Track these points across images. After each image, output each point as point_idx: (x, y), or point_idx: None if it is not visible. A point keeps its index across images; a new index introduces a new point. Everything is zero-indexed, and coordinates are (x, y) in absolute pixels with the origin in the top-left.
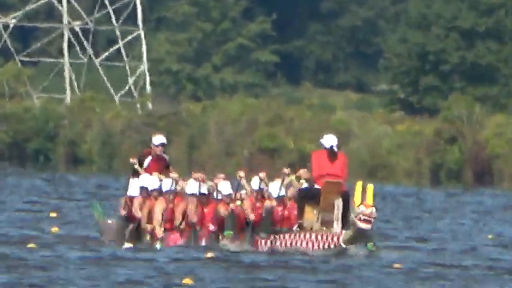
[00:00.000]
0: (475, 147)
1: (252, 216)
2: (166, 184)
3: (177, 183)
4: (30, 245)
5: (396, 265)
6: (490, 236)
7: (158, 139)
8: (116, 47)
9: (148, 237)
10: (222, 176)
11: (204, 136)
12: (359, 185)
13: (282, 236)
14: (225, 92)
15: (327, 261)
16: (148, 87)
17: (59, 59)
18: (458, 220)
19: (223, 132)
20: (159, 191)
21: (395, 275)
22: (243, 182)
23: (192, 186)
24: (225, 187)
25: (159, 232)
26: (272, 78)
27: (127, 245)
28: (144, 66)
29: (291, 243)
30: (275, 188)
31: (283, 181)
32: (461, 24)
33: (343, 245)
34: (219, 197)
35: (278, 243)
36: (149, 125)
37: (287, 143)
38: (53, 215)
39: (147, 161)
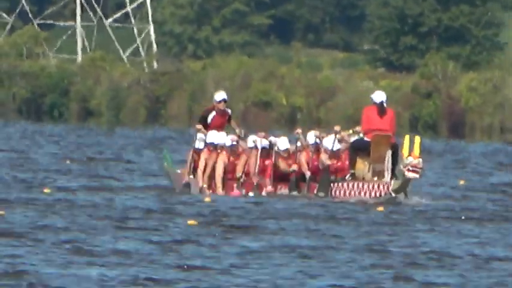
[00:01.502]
0: (449, 102)
1: (308, 173)
2: (230, 140)
3: (239, 138)
4: None
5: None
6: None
7: (220, 95)
8: (124, 10)
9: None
10: (263, 134)
11: (204, 91)
12: (407, 138)
13: (336, 185)
14: (223, 51)
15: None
16: (153, 47)
17: (71, 22)
18: None
19: (221, 88)
20: (223, 146)
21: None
22: (301, 137)
23: (254, 141)
24: (283, 142)
25: (219, 186)
26: (265, 39)
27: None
28: (150, 28)
29: (344, 192)
30: (329, 142)
31: (335, 136)
32: None
33: (393, 194)
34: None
35: (333, 191)
36: (154, 82)
37: (279, 98)
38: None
39: (211, 116)
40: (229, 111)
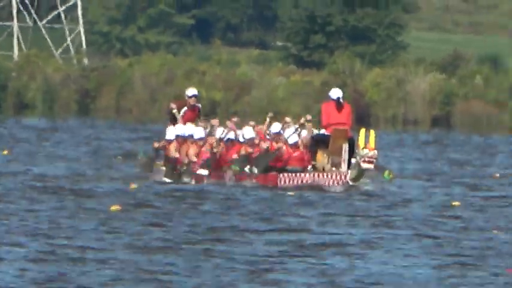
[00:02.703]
0: (356, 96)
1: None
2: (199, 132)
3: (206, 129)
4: None
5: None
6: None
7: (191, 91)
8: (57, 11)
9: (183, 170)
10: (235, 119)
11: (131, 86)
12: (362, 131)
13: (298, 174)
14: (148, 49)
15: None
16: (83, 45)
17: (9, 23)
18: None
19: (147, 83)
20: (192, 137)
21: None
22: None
23: (220, 132)
24: (248, 132)
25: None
26: (188, 38)
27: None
28: (80, 27)
29: (306, 181)
30: (289, 134)
31: (297, 129)
32: None
33: (350, 182)
34: (242, 140)
35: (296, 180)
36: (84, 77)
37: (200, 93)
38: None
39: (183, 110)
40: (200, 106)
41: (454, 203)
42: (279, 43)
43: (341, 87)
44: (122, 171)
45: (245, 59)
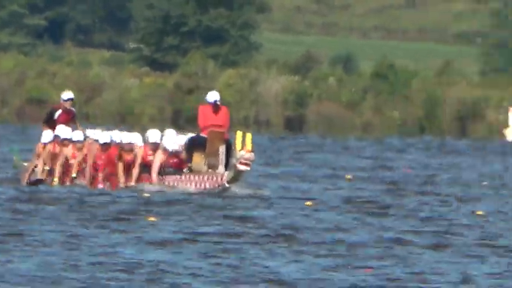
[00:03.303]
0: None
1: (137, 163)
2: (76, 135)
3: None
4: None
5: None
6: None
7: (67, 95)
8: None
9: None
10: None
11: None
12: (239, 133)
13: (174, 176)
14: (0, 50)
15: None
16: None
17: None
18: None
19: None
20: (70, 140)
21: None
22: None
23: (96, 135)
24: (127, 137)
25: (57, 172)
26: (40, 39)
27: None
28: None
29: (183, 183)
30: (168, 142)
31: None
32: None
33: (226, 184)
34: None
35: (171, 183)
36: None
37: (51, 94)
38: None
39: (58, 113)
40: (74, 110)
41: (307, 203)
42: (132, 45)
43: (194, 89)
44: None
45: (97, 61)
